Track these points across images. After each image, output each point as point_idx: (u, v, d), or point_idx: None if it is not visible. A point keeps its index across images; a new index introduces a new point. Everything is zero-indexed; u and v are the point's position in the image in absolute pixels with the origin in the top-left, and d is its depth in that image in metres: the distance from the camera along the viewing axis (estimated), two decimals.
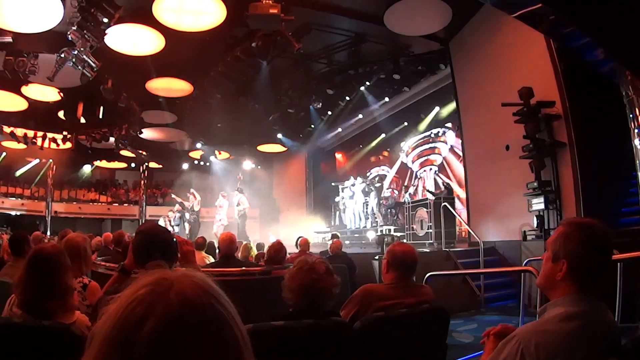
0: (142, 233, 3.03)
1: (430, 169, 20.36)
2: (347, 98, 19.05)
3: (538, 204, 10.82)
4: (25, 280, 2.74)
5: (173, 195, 23.05)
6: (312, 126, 22.48)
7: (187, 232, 19.49)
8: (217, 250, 9.18)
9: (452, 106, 16.41)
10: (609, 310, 2.09)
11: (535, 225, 10.89)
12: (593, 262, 1.99)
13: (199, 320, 0.90)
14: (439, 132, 19.93)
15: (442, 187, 16.09)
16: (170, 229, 19.60)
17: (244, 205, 18.10)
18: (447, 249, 11.86)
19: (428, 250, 12.40)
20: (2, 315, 2.94)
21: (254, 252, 9.76)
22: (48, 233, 23.19)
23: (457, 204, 15.16)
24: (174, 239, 3.00)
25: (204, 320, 0.91)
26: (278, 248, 6.42)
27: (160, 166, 29.87)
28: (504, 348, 1.95)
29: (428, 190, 17.09)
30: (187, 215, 20.27)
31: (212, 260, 8.40)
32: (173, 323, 0.88)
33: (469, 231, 13.05)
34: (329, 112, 20.58)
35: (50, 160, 26.25)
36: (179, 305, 0.90)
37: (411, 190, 19.71)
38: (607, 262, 2.08)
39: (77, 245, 4.19)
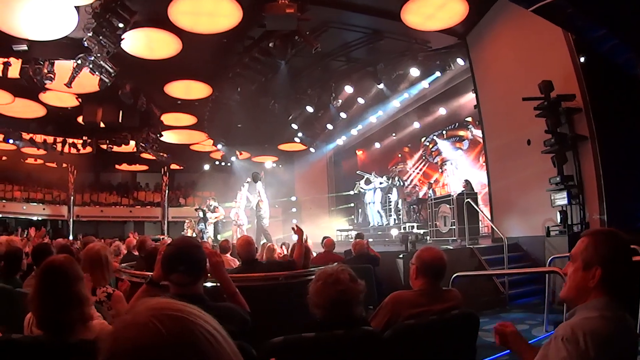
0: (171, 246, 3.06)
1: (452, 163, 20.23)
2: (367, 95, 18.98)
3: (561, 199, 10.66)
4: (39, 294, 2.65)
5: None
6: (332, 124, 22.38)
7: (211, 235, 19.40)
8: None
9: (472, 101, 16.20)
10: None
11: (558, 220, 10.75)
12: (626, 268, 2.03)
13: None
14: (458, 125, 19.85)
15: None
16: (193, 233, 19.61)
17: (264, 209, 17.51)
18: (470, 246, 11.77)
19: (452, 248, 12.30)
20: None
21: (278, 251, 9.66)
22: (70, 237, 23.43)
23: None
24: (203, 254, 3.00)
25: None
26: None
27: (182, 167, 30.03)
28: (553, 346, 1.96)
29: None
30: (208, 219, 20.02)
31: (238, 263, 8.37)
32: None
33: (492, 227, 12.94)
34: (349, 110, 20.50)
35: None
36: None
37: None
38: (635, 269, 2.10)
39: (97, 254, 4.17)
